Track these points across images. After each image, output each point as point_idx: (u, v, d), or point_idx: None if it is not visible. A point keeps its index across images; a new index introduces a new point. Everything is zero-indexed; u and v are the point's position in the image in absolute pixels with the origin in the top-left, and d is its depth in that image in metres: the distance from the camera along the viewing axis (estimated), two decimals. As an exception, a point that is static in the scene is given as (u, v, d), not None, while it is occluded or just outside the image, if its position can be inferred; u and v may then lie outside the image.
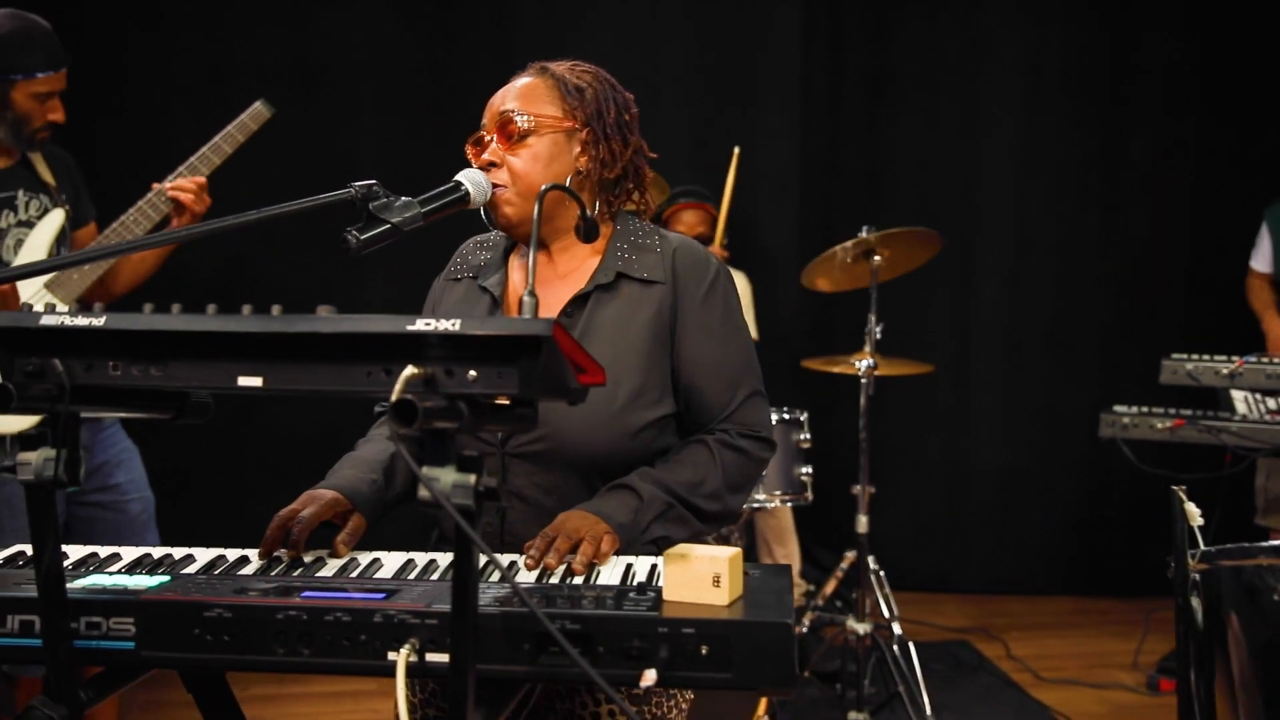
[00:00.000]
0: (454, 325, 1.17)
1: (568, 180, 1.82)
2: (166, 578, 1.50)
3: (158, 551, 1.67)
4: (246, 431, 4.47)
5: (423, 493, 1.16)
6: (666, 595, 1.37)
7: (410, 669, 1.29)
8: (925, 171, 5.22)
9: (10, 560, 1.63)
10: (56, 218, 2.99)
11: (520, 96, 1.83)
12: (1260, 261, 4.45)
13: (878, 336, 3.81)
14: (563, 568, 1.56)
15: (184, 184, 2.93)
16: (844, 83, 5.18)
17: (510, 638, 1.31)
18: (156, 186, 2.95)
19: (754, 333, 4.44)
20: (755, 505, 3.59)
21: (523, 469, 1.78)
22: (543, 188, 1.71)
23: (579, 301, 1.82)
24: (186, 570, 1.57)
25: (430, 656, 1.31)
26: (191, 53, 4.52)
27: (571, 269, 1.88)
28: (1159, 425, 3.85)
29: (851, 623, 3.75)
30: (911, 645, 3.86)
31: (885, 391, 4.96)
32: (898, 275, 3.98)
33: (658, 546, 1.71)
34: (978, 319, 5.30)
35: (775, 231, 5.09)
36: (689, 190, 4.47)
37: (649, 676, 1.26)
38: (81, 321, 1.24)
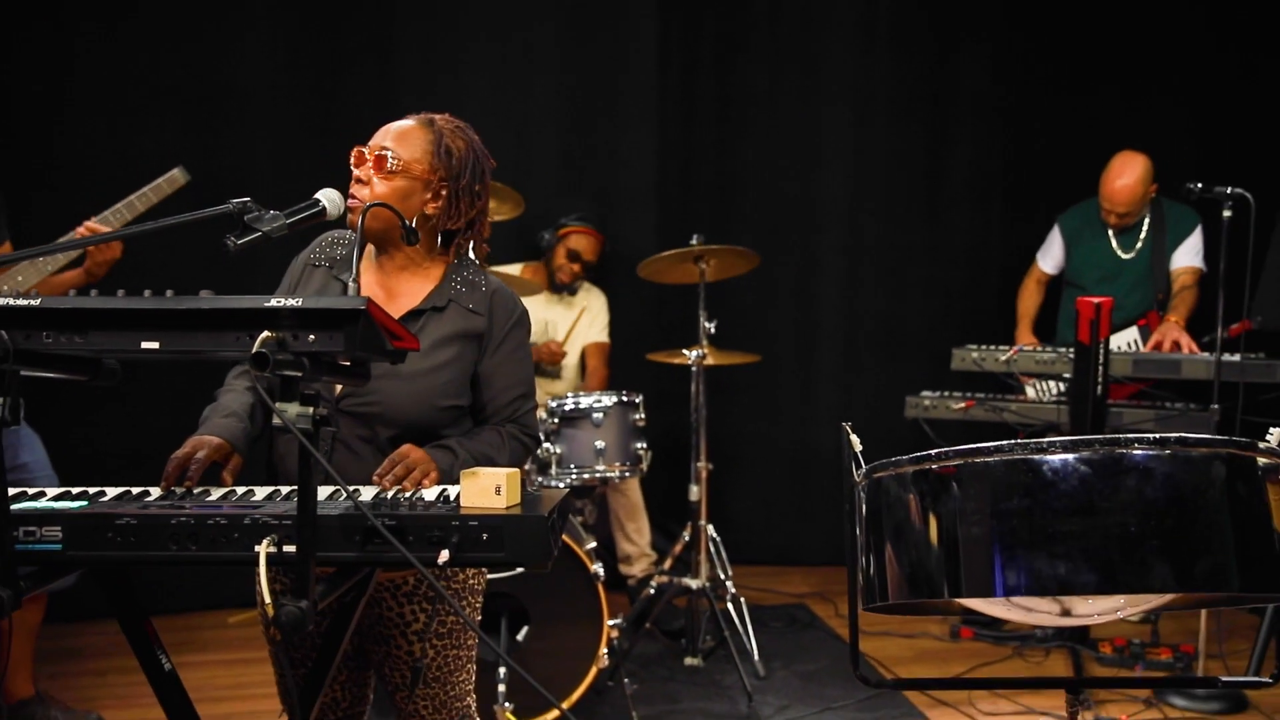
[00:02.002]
0: (297, 302, 1.65)
1: (414, 218, 2.29)
2: (85, 502, 1.95)
3: (76, 490, 2.10)
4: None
5: (275, 420, 1.64)
6: (463, 502, 1.86)
7: (270, 557, 1.75)
8: (769, 184, 5.73)
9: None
10: None
11: (399, 139, 2.29)
12: (1048, 263, 5.00)
13: (711, 331, 4.36)
14: (396, 487, 2.07)
15: (95, 227, 3.23)
16: (695, 104, 5.68)
17: (345, 532, 1.79)
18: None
19: (607, 338, 5.00)
20: (600, 476, 4.08)
21: (350, 423, 2.26)
22: (365, 205, 2.20)
23: (415, 314, 2.31)
24: (102, 499, 2.02)
25: (287, 548, 1.78)
26: (93, 74, 4.79)
27: (412, 288, 2.35)
28: (954, 406, 4.47)
29: (687, 580, 4.29)
30: (743, 600, 4.41)
31: (735, 384, 5.54)
32: (724, 277, 4.54)
33: None
34: (818, 317, 5.83)
35: (634, 239, 5.51)
36: (583, 216, 5.04)
37: (444, 555, 1.75)
38: (22, 302, 1.69)
